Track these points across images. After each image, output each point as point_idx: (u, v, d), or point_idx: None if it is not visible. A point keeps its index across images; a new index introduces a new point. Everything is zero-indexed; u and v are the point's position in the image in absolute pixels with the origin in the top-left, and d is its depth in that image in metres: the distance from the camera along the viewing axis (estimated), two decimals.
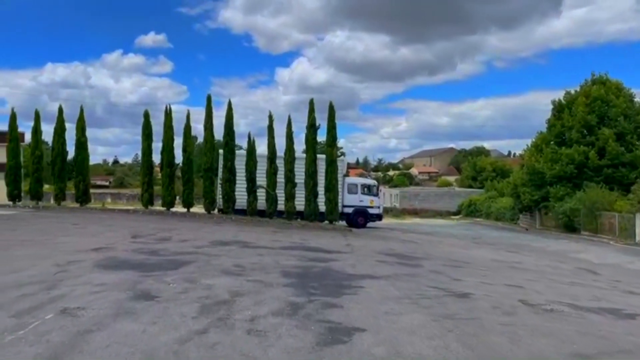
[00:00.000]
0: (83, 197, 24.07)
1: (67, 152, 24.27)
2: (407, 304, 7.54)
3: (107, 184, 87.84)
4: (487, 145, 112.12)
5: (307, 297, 7.52)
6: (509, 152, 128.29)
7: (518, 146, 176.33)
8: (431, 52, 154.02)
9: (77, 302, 6.44)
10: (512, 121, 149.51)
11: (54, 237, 13.91)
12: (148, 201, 24.07)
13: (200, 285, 8.01)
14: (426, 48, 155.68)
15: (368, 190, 29.36)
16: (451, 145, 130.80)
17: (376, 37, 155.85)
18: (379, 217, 29.64)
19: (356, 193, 28.64)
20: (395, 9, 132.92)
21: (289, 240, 16.56)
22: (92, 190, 69.05)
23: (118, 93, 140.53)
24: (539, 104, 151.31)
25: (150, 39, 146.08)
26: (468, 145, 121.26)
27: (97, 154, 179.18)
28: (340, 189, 25.54)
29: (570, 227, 31.34)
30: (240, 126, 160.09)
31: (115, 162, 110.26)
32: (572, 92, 34.83)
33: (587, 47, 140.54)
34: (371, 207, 28.95)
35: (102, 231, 15.78)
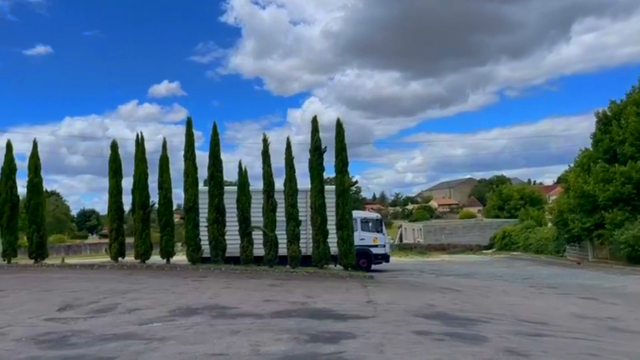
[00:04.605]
0: (38, 252, 19.16)
1: (17, 198, 19.61)
2: None
3: None
4: (505, 174, 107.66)
5: None
6: (529, 180, 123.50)
7: (536, 174, 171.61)
8: (442, 85, 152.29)
9: None
10: (528, 149, 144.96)
11: None
12: (118, 252, 19.17)
13: None
14: (436, 81, 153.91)
15: (370, 225, 24.58)
16: (468, 176, 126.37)
17: (386, 74, 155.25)
18: (385, 257, 24.67)
19: (355, 230, 23.89)
20: (403, 45, 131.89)
21: (288, 299, 11.89)
22: (99, 241, 65.33)
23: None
24: (553, 130, 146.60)
25: (163, 87, 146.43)
26: (486, 175, 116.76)
27: None
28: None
29: (634, 258, 26.03)
30: (255, 168, 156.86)
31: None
32: (618, 101, 30.16)
33: (600, 71, 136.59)
34: (375, 245, 24.13)
35: (25, 300, 11.27)
